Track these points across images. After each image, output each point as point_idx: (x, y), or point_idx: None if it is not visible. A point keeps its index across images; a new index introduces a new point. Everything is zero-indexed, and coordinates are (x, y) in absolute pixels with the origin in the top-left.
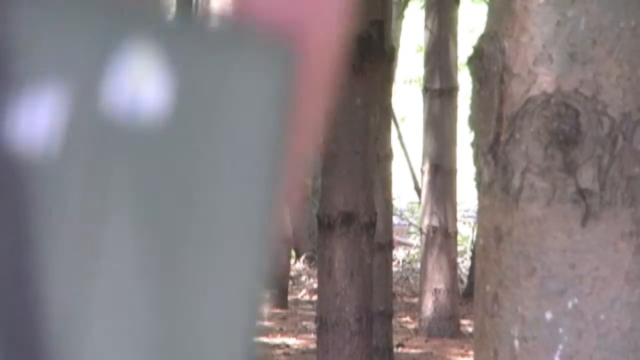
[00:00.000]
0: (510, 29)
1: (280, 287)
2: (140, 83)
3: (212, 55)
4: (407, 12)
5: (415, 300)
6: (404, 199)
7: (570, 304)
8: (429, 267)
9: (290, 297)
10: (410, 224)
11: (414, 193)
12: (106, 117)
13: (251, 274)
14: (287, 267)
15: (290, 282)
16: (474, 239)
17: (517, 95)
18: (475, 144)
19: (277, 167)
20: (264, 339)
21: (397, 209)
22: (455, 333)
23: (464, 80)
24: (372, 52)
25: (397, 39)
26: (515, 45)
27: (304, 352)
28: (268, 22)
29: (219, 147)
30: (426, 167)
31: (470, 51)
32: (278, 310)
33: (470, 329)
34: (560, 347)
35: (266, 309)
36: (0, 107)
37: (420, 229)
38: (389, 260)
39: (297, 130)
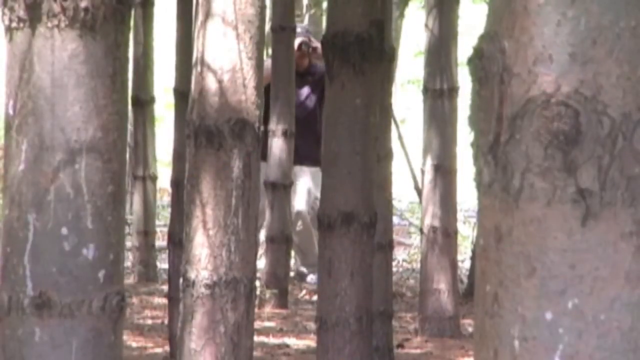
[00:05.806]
0: (510, 29)
1: (280, 287)
2: None
3: None
4: (407, 12)
5: (415, 300)
6: (404, 199)
7: (570, 304)
8: (429, 267)
9: (290, 297)
10: (410, 224)
11: (414, 193)
12: None
13: None
14: (287, 267)
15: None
16: (474, 239)
17: (517, 95)
18: (475, 144)
19: None
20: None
21: (397, 209)
22: (455, 333)
23: (464, 80)
24: (372, 52)
25: (397, 39)
26: (515, 45)
27: (304, 352)
28: None
29: None
30: (426, 167)
31: (470, 51)
32: (278, 310)
33: (470, 329)
34: (561, 347)
35: (266, 309)
36: None
37: (421, 229)
38: (389, 260)
39: None
